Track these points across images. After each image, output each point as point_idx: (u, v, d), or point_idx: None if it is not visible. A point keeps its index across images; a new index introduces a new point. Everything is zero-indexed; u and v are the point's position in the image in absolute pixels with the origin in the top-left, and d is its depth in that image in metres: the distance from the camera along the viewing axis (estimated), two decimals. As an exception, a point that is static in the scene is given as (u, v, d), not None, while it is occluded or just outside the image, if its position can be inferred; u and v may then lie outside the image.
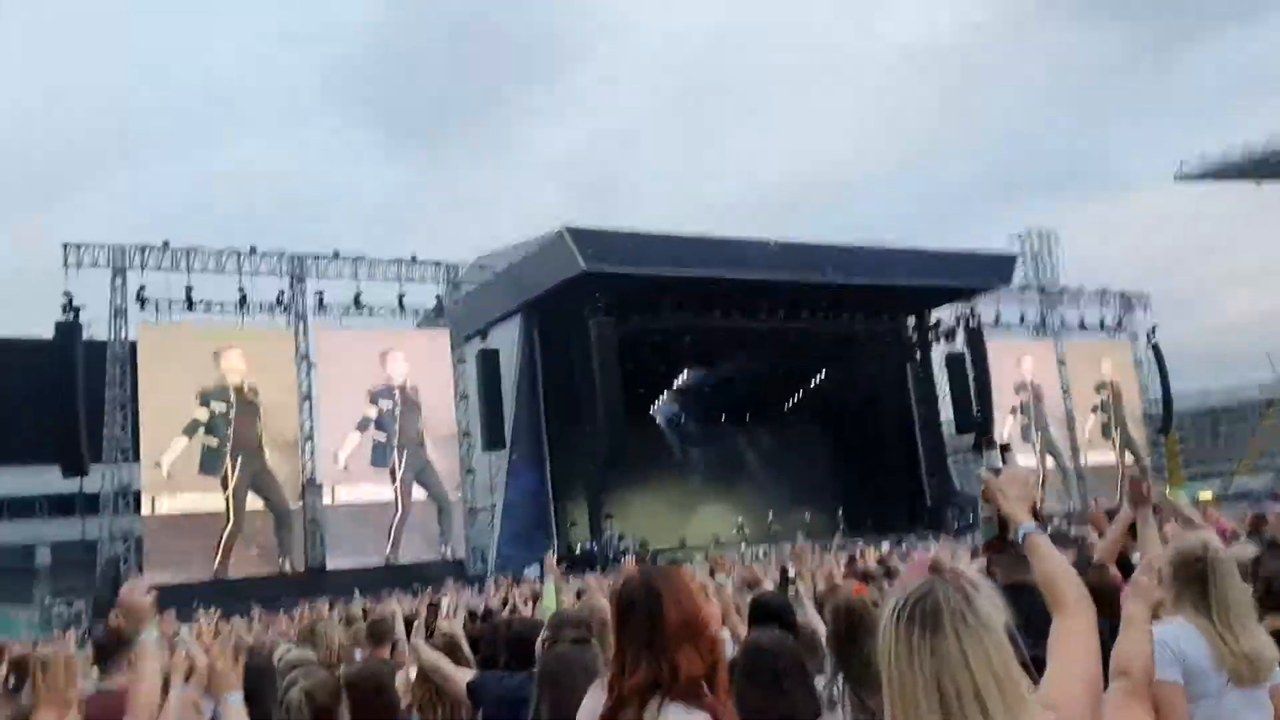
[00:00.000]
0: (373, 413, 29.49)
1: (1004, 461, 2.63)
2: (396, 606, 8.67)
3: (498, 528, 31.48)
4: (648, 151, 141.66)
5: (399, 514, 29.17)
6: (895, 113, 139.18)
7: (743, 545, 30.23)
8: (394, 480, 29.26)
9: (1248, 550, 4.14)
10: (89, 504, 29.59)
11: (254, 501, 27.48)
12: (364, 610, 10.52)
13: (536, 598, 9.34)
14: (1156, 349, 42.40)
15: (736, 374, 34.97)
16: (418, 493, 29.74)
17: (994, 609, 1.65)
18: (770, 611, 4.44)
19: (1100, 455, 41.26)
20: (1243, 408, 59.13)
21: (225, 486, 26.99)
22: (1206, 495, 47.74)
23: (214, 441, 27.03)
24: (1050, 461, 40.06)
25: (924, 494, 38.11)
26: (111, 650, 3.90)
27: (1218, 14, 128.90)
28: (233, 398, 27.50)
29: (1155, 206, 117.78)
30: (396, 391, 29.90)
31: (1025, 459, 38.67)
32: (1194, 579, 3.28)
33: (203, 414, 27.12)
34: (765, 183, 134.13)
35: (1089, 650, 1.96)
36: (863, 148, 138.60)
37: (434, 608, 10.47)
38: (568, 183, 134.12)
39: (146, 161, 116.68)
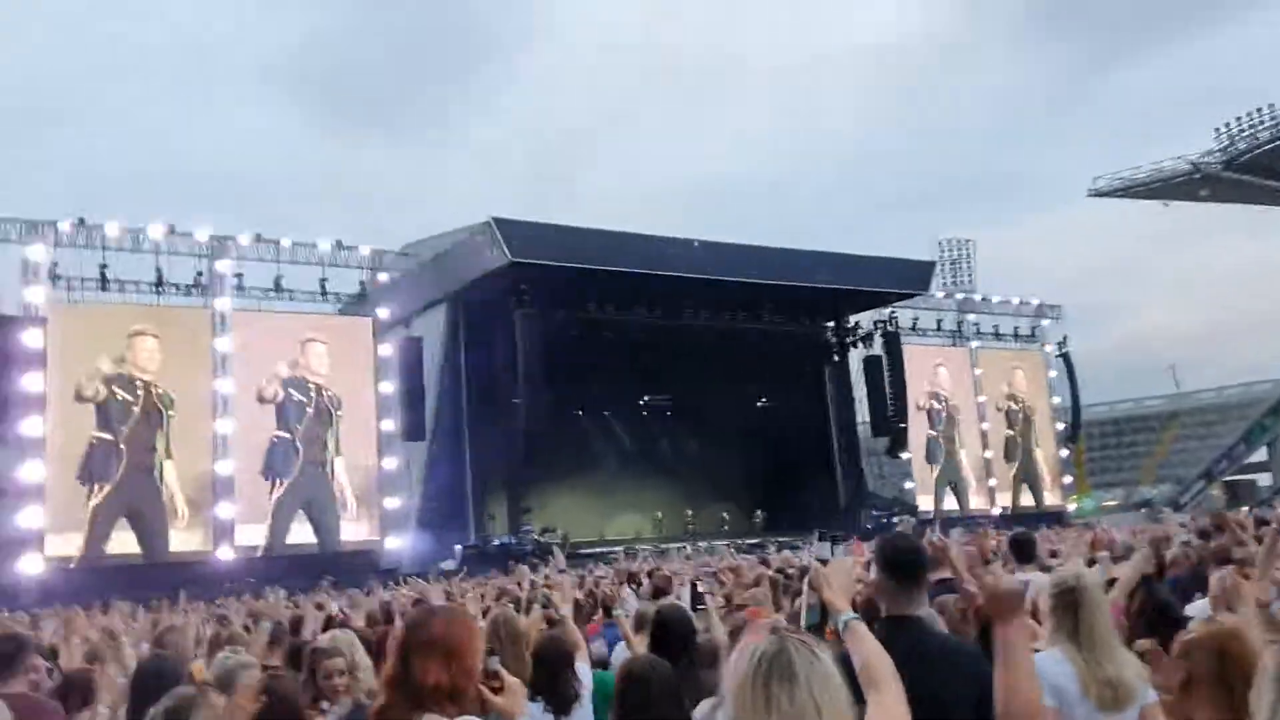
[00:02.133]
0: (277, 394, 28.57)
1: (832, 553, 2.96)
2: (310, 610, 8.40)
3: (414, 520, 31.24)
4: (584, 147, 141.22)
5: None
6: (826, 117, 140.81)
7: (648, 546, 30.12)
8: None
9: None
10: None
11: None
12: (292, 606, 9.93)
13: (450, 595, 8.99)
14: (1067, 359, 43.65)
15: (659, 370, 35.18)
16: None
17: (835, 665, 1.85)
18: (669, 626, 4.47)
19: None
20: (1147, 419, 61.32)
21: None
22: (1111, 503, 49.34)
23: (107, 436, 25.82)
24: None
25: (838, 495, 38.77)
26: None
27: (1137, 41, 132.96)
28: (140, 394, 26.47)
29: (1072, 223, 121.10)
30: (312, 389, 29.24)
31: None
32: (1068, 609, 3.45)
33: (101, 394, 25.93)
34: (696, 182, 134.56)
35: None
36: (794, 151, 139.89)
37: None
38: (501, 176, 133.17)
39: (62, 133, 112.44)
